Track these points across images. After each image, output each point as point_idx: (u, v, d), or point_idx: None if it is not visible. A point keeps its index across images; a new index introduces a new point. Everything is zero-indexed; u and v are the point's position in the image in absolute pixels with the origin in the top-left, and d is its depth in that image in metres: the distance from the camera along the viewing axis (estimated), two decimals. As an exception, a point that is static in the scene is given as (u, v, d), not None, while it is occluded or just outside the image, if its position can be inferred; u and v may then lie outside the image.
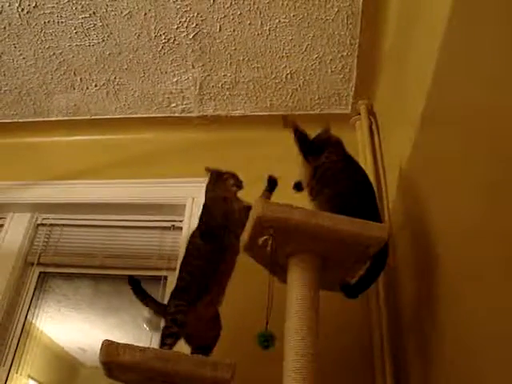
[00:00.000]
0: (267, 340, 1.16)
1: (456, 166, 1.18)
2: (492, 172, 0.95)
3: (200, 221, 1.64)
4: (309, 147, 1.56)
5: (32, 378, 2.33)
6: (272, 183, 1.61)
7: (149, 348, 1.30)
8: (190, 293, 1.49)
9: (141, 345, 1.34)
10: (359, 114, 2.27)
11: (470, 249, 1.07)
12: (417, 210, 1.50)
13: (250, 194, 1.53)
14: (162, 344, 1.42)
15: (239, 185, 1.68)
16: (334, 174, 1.44)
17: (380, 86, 2.16)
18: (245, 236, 1.26)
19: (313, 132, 2.24)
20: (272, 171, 1.64)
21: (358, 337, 1.77)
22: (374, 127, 2.24)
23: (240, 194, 1.65)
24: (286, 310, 1.18)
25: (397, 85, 1.91)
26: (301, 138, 1.58)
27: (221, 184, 1.68)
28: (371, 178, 2.01)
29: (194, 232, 1.64)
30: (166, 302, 1.54)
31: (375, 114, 2.27)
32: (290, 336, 1.13)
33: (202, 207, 1.68)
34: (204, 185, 2.22)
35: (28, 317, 2.21)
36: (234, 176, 1.69)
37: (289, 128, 1.61)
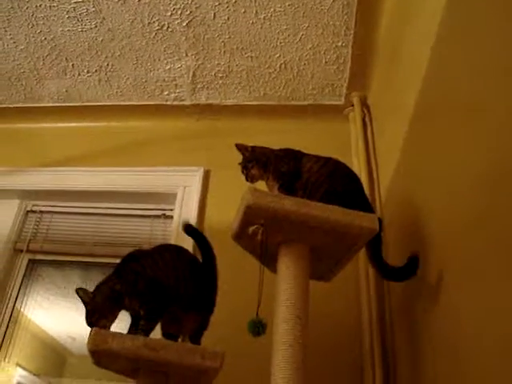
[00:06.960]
0: (258, 327, 1.16)
1: (450, 158, 1.17)
2: (488, 165, 0.94)
3: None
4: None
5: (20, 366, 2.32)
6: None
7: (138, 336, 1.29)
8: None
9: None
10: (353, 105, 2.27)
11: (463, 244, 1.06)
12: (410, 202, 1.50)
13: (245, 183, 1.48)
14: None
15: None
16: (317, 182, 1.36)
17: (374, 77, 2.15)
18: (235, 225, 1.25)
19: (305, 123, 2.23)
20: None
21: (347, 326, 1.78)
22: (367, 119, 2.23)
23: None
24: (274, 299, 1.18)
25: (391, 77, 1.91)
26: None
27: None
28: (364, 169, 2.02)
29: None
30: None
31: (369, 106, 2.26)
32: (279, 325, 1.13)
33: None
34: (195, 174, 2.23)
35: (16, 305, 2.20)
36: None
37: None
